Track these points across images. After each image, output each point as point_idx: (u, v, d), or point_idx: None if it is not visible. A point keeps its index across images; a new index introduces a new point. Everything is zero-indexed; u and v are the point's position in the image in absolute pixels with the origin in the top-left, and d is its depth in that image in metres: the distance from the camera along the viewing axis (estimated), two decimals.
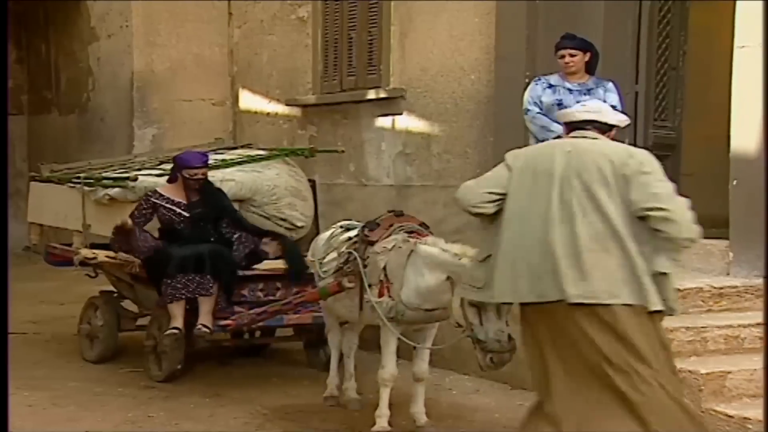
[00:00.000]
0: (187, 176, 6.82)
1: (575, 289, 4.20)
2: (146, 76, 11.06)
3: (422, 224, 5.71)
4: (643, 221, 4.30)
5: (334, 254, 5.88)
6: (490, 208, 4.43)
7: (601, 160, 4.39)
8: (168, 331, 6.52)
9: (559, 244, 4.25)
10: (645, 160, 4.47)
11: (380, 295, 5.39)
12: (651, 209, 4.29)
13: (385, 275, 5.39)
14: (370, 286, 5.45)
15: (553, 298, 4.24)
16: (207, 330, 6.50)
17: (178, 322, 6.53)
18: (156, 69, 11.07)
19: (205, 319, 6.52)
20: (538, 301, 4.30)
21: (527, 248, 4.30)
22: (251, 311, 6.54)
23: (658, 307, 4.25)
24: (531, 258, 4.29)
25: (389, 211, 5.86)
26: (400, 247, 5.40)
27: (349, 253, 5.64)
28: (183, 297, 6.53)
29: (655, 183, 4.39)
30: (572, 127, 4.65)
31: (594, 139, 4.57)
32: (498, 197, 4.43)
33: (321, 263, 5.99)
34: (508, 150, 4.60)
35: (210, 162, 7.32)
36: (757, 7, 6.28)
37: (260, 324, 6.75)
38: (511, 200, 4.40)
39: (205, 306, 6.56)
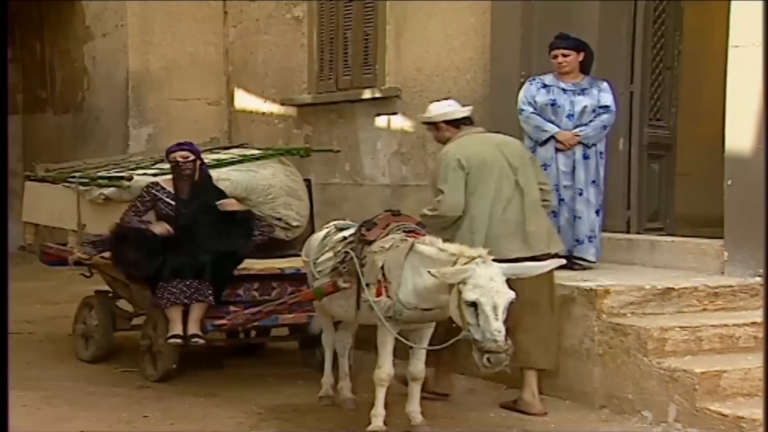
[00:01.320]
0: (172, 163, 6.79)
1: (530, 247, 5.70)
2: (141, 75, 11.04)
3: (419, 224, 5.69)
4: None
5: (329, 254, 5.86)
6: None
7: (516, 149, 5.97)
8: (170, 339, 6.44)
9: (516, 215, 5.73)
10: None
11: (378, 294, 5.36)
12: (545, 183, 6.03)
13: (383, 275, 5.37)
14: (367, 285, 5.43)
15: (527, 254, 5.61)
16: (202, 341, 6.45)
17: (178, 327, 6.42)
18: (151, 68, 11.06)
19: (194, 327, 6.41)
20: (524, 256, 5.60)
21: (500, 221, 5.71)
22: (246, 311, 6.51)
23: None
24: (503, 228, 5.70)
25: (386, 211, 5.84)
26: (397, 246, 5.38)
27: (346, 252, 5.62)
28: (179, 302, 6.43)
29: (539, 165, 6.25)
30: (457, 123, 5.95)
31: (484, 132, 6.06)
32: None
33: (315, 263, 5.97)
34: None
35: (205, 161, 7.31)
36: (751, 7, 6.29)
37: (255, 324, 6.74)
38: (477, 187, 5.72)
39: (196, 312, 6.45)
